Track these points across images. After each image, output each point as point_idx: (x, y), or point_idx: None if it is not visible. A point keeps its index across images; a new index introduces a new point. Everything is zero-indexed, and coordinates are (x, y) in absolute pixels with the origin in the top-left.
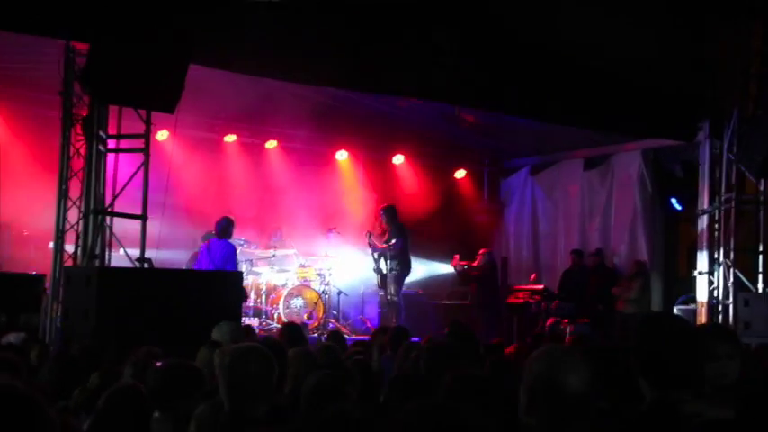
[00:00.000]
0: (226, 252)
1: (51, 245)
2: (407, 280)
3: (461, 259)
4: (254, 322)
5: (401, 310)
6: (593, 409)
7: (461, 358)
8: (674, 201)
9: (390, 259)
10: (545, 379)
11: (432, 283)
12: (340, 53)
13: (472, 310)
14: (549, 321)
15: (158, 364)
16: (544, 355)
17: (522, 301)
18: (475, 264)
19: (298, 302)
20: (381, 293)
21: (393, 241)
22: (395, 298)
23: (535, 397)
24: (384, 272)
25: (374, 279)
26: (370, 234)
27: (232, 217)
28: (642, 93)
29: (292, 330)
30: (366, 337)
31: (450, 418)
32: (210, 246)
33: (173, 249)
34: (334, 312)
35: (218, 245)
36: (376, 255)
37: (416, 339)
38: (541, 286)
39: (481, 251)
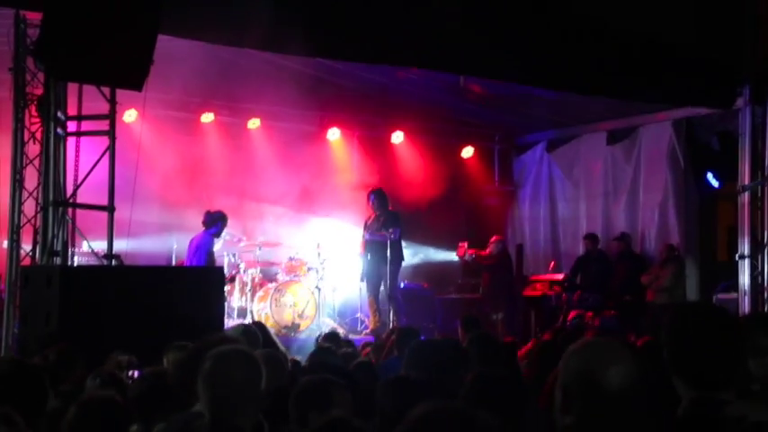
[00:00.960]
0: (197, 243)
1: (5, 243)
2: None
3: (470, 247)
4: (238, 322)
5: (401, 307)
6: (636, 408)
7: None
8: (710, 177)
9: (389, 249)
10: (583, 374)
11: (437, 276)
12: (327, 18)
13: (484, 304)
14: (572, 315)
15: (136, 373)
16: (582, 347)
17: (539, 292)
18: (485, 252)
19: (287, 300)
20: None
21: (391, 229)
22: (391, 292)
23: (571, 394)
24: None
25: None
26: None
27: (225, 213)
28: (672, 55)
29: (250, 332)
30: (369, 338)
31: (460, 423)
32: (191, 241)
33: (144, 245)
34: (329, 311)
35: (197, 238)
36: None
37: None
38: (561, 276)
39: (493, 239)
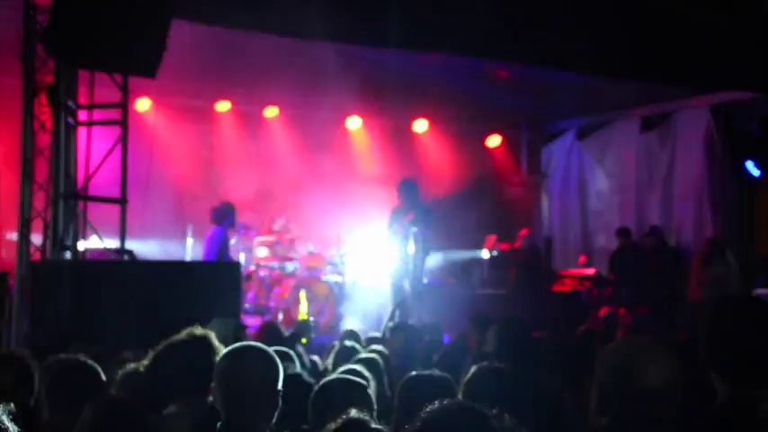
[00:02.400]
0: (209, 237)
1: (14, 236)
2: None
3: (498, 241)
4: (256, 320)
5: (423, 301)
6: (674, 407)
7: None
8: (750, 165)
9: (415, 242)
10: (620, 373)
11: (463, 271)
12: (349, 2)
13: (511, 300)
14: (603, 311)
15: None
16: (620, 345)
17: (569, 288)
18: (515, 246)
19: (305, 296)
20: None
21: (419, 228)
22: (415, 287)
23: (608, 394)
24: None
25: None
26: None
27: (231, 202)
28: (710, 35)
29: (272, 331)
30: None
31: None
32: (205, 237)
33: (158, 238)
34: (350, 307)
35: (209, 233)
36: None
37: (447, 337)
38: (592, 271)
39: (522, 232)
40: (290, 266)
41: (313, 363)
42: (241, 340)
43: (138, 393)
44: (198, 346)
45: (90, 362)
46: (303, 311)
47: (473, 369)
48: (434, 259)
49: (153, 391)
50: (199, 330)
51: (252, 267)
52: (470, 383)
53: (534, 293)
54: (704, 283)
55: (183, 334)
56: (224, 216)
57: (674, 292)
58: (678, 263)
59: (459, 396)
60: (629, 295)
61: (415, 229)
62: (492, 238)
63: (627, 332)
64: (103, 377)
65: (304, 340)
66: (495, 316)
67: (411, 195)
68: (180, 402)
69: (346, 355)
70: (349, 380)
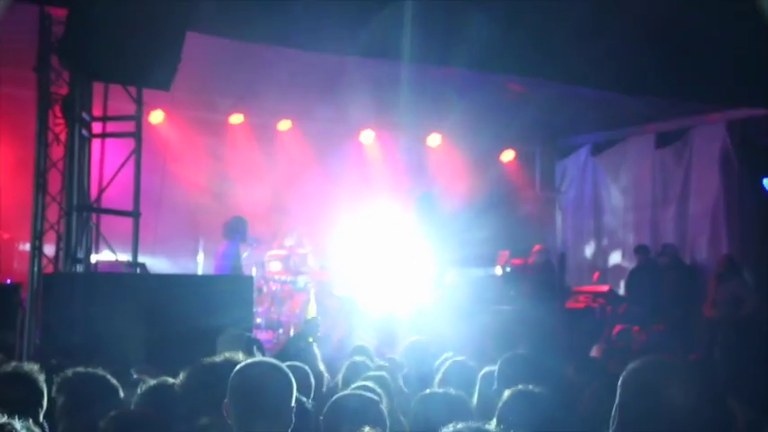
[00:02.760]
0: (222, 251)
1: (27, 247)
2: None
3: (512, 257)
4: (268, 335)
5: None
6: (696, 428)
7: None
8: (766, 182)
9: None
10: (642, 392)
11: (474, 286)
12: (360, 14)
13: (524, 316)
14: (617, 329)
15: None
16: (643, 365)
17: (583, 305)
18: (528, 262)
19: (318, 311)
20: None
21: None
22: (431, 303)
23: (629, 414)
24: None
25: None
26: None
27: (242, 216)
28: (726, 51)
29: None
30: None
31: None
32: (217, 251)
33: (171, 251)
34: (362, 323)
35: (221, 248)
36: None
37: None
38: (606, 288)
39: (536, 248)
40: (301, 281)
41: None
42: (253, 354)
43: (167, 406)
44: (231, 367)
45: (108, 376)
46: (312, 311)
47: (507, 393)
48: (448, 275)
49: (186, 404)
50: (233, 355)
51: (263, 281)
52: (505, 408)
53: (548, 310)
54: (719, 302)
55: (220, 357)
56: (235, 230)
57: (689, 311)
58: (693, 281)
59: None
60: (644, 313)
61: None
62: (505, 254)
63: (642, 350)
64: (121, 392)
65: (310, 339)
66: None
67: (429, 211)
68: (212, 415)
69: (357, 370)
70: (362, 396)
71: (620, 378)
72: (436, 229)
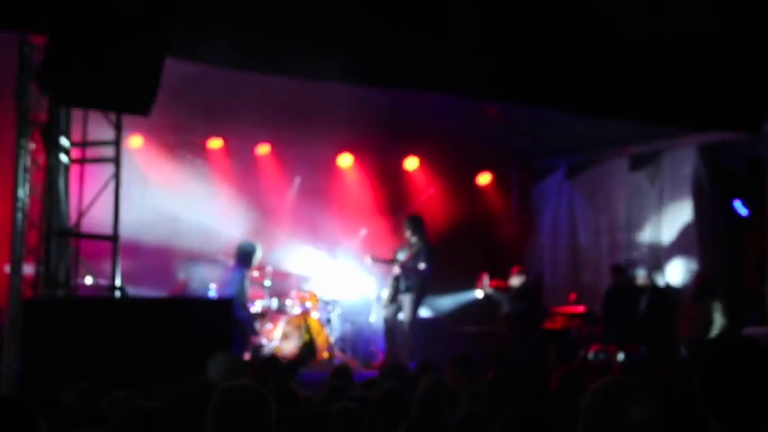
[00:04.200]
0: (228, 276)
1: (7, 267)
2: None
3: (490, 279)
4: (247, 357)
5: (415, 342)
6: None
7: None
8: (738, 204)
9: (407, 279)
10: (604, 413)
11: (453, 308)
12: (336, 39)
13: (503, 337)
14: (593, 349)
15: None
16: (602, 386)
17: (559, 325)
18: (506, 284)
19: (298, 333)
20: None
21: (423, 266)
22: (409, 327)
23: None
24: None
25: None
26: (373, 258)
27: (255, 243)
28: (696, 75)
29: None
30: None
31: None
32: (223, 275)
33: (150, 276)
34: (341, 344)
35: (228, 272)
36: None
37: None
38: (582, 308)
39: (514, 269)
40: (281, 302)
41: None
42: (239, 376)
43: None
44: (210, 389)
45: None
46: (305, 335)
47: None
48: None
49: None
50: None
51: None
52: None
53: (526, 331)
54: (693, 320)
55: (199, 380)
56: (244, 256)
57: (664, 330)
58: (667, 301)
59: None
60: (620, 333)
61: (423, 272)
62: (483, 276)
63: (618, 370)
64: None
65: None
66: (484, 354)
67: (416, 232)
68: None
69: (337, 392)
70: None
71: (582, 399)
72: (425, 250)
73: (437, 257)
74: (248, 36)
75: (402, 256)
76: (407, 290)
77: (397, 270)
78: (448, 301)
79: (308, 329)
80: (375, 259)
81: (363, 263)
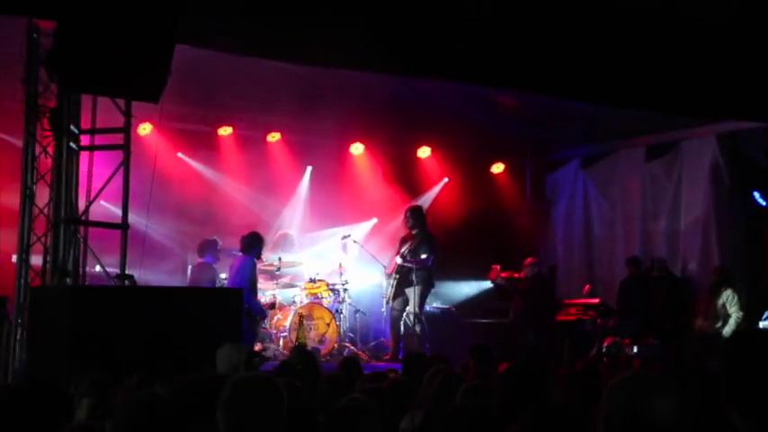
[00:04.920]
0: (238, 265)
1: (14, 260)
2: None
3: (502, 270)
4: (257, 347)
5: (425, 332)
6: None
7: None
8: (757, 195)
9: (411, 271)
10: (626, 407)
11: (464, 299)
12: (347, 25)
13: (514, 328)
14: (607, 342)
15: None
16: (625, 379)
17: (573, 317)
18: (520, 275)
19: (307, 324)
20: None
21: (424, 256)
22: (416, 318)
23: (615, 429)
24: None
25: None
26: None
27: (259, 233)
28: (716, 63)
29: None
30: (394, 365)
31: None
32: (232, 265)
33: (159, 265)
34: (351, 335)
35: (238, 261)
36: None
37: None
38: (597, 300)
39: (527, 261)
40: (290, 293)
41: None
42: (254, 366)
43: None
44: (219, 380)
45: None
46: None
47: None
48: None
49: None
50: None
51: (272, 300)
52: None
53: (539, 323)
54: (710, 313)
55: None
56: (252, 245)
57: (679, 323)
58: (684, 293)
59: None
60: (635, 326)
61: (424, 262)
62: (496, 267)
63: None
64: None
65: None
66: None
67: (418, 223)
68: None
69: (347, 384)
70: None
71: (604, 393)
72: (427, 240)
73: (439, 247)
74: (259, 21)
75: (405, 248)
76: (412, 283)
77: (399, 261)
78: (460, 291)
79: (302, 333)
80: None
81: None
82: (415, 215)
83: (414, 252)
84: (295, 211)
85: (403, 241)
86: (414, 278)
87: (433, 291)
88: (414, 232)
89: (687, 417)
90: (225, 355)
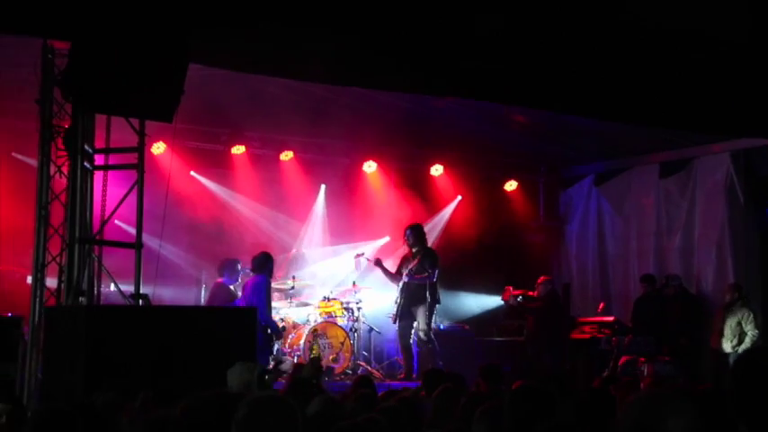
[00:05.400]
0: (253, 284)
1: (29, 280)
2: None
3: (516, 288)
4: (271, 366)
5: (436, 349)
6: None
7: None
8: None
9: (416, 289)
10: (640, 426)
11: (478, 317)
12: (362, 45)
13: (528, 347)
14: (623, 360)
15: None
16: (641, 398)
17: (588, 336)
18: (533, 294)
19: (322, 342)
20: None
21: (429, 271)
22: (426, 335)
23: None
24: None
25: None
26: (379, 260)
27: (269, 253)
28: (730, 81)
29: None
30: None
31: None
32: (246, 285)
33: (173, 284)
34: (365, 354)
35: (252, 281)
36: (400, 284)
37: None
38: (612, 318)
39: (541, 279)
40: (304, 312)
41: None
42: (267, 385)
43: None
44: (232, 399)
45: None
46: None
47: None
48: (449, 305)
49: None
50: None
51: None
52: None
53: (553, 341)
54: (727, 332)
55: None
56: (264, 265)
57: (695, 340)
58: (699, 311)
59: None
60: (650, 344)
61: (427, 275)
62: (509, 288)
63: (648, 382)
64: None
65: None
66: (510, 365)
67: (418, 240)
68: None
69: (363, 402)
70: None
71: (619, 412)
72: (428, 257)
73: (440, 262)
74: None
75: (409, 268)
76: (420, 301)
77: (405, 279)
78: (474, 309)
79: (316, 346)
80: (380, 265)
81: (368, 265)
82: (415, 233)
83: (419, 269)
84: (313, 230)
85: (404, 260)
86: (420, 295)
87: (445, 308)
88: (414, 250)
89: None
90: (236, 375)
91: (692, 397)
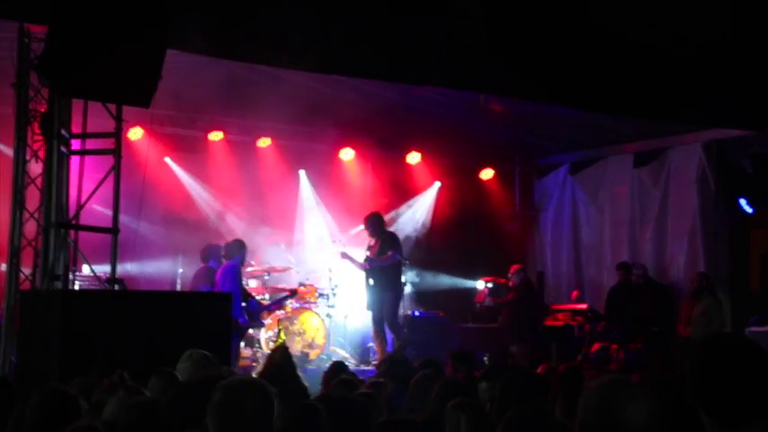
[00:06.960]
0: (223, 270)
1: (4, 266)
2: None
3: (488, 275)
4: (246, 352)
5: (401, 335)
6: None
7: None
8: (742, 202)
9: (380, 275)
10: (600, 412)
11: (453, 304)
12: (338, 32)
13: (503, 334)
14: (595, 347)
15: None
16: (600, 385)
17: (561, 323)
18: (509, 284)
19: (296, 328)
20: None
21: (390, 253)
22: (391, 323)
23: None
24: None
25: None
26: (344, 254)
27: (243, 240)
28: (702, 72)
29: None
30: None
31: None
32: (218, 271)
33: (148, 268)
34: (340, 339)
35: (223, 267)
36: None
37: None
38: (585, 306)
39: (513, 268)
40: (280, 297)
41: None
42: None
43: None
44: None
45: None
46: (293, 342)
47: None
48: (424, 291)
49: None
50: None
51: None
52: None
53: (527, 329)
54: (693, 320)
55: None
56: (236, 251)
57: (666, 328)
58: (669, 299)
59: None
60: (622, 331)
61: (391, 258)
62: (484, 292)
63: (619, 369)
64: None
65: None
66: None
67: (377, 229)
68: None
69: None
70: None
71: (580, 398)
72: (387, 240)
73: (400, 245)
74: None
75: (372, 253)
76: (384, 287)
77: (366, 266)
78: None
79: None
80: (347, 257)
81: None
82: (373, 221)
83: (379, 252)
84: (285, 216)
85: (368, 249)
86: (383, 281)
87: (421, 295)
88: (375, 238)
89: (659, 422)
90: (185, 364)
91: (654, 384)
